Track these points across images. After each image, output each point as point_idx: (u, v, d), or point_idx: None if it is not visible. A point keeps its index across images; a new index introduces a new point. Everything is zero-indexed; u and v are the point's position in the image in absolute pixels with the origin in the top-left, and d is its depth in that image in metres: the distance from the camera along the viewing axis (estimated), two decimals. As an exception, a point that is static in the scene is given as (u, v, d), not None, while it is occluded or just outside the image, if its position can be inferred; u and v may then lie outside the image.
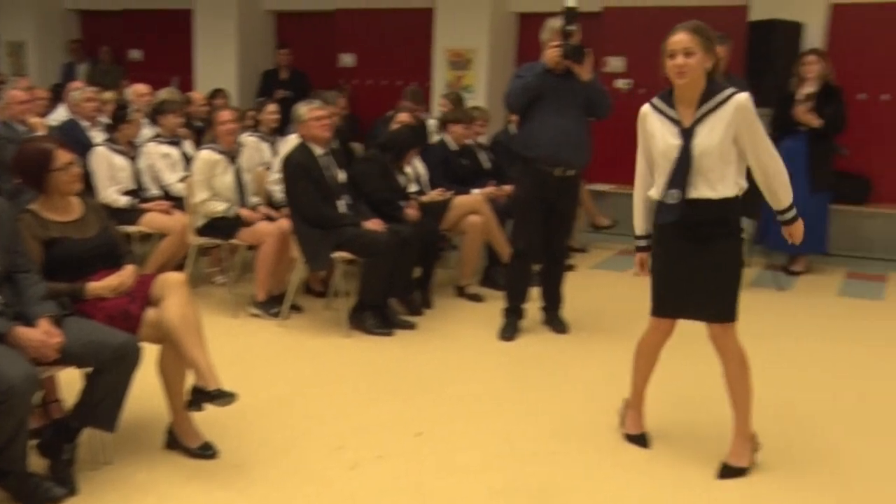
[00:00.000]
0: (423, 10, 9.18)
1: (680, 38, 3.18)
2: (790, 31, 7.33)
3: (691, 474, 3.37)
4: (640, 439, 3.64)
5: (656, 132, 3.31)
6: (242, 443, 3.54)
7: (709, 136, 3.20)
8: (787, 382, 4.37)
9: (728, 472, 3.36)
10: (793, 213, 3.34)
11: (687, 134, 3.23)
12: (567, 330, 5.21)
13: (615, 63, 8.58)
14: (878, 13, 7.36)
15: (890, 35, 7.37)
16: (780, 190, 3.28)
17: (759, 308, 5.60)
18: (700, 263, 3.30)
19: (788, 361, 4.71)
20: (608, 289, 6.40)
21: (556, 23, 4.81)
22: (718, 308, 3.32)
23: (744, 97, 3.20)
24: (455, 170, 6.41)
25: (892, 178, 7.59)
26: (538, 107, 4.83)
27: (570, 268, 6.84)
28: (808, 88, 6.57)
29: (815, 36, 7.20)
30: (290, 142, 5.61)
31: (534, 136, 4.86)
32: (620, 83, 8.55)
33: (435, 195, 5.97)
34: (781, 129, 6.69)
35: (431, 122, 7.27)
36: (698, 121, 3.22)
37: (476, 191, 6.18)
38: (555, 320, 5.26)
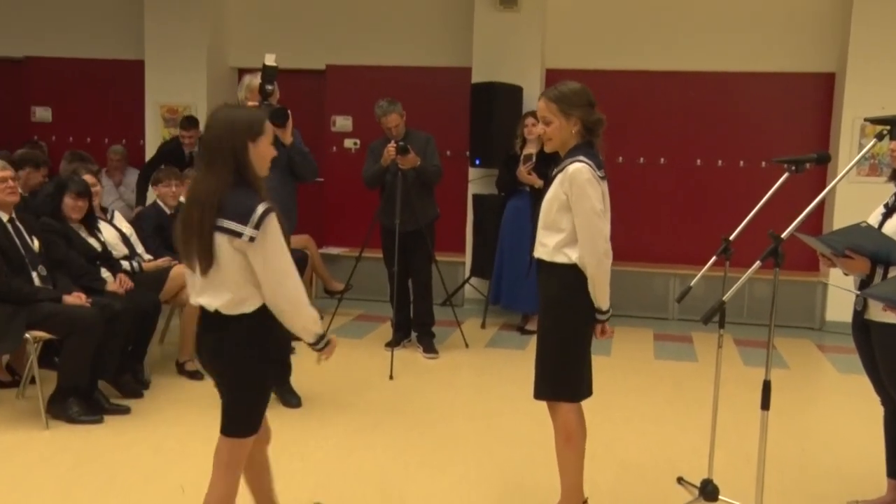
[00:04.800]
0: (132, 62, 8.62)
1: (539, 106, 3.21)
2: (511, 93, 7.60)
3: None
4: None
5: None
6: None
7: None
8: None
9: None
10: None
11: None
12: (300, 403, 4.94)
13: (342, 122, 8.50)
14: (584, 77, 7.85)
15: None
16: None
17: (500, 365, 5.60)
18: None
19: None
20: (345, 356, 6.13)
21: (253, 81, 4.68)
22: (537, 384, 3.27)
23: (573, 167, 3.13)
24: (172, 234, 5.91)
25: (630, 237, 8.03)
26: None
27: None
28: (530, 149, 6.75)
29: (533, 98, 7.50)
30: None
31: None
32: (349, 143, 8.47)
33: (161, 263, 5.50)
34: (506, 188, 6.85)
35: None
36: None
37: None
38: (287, 393, 4.95)
